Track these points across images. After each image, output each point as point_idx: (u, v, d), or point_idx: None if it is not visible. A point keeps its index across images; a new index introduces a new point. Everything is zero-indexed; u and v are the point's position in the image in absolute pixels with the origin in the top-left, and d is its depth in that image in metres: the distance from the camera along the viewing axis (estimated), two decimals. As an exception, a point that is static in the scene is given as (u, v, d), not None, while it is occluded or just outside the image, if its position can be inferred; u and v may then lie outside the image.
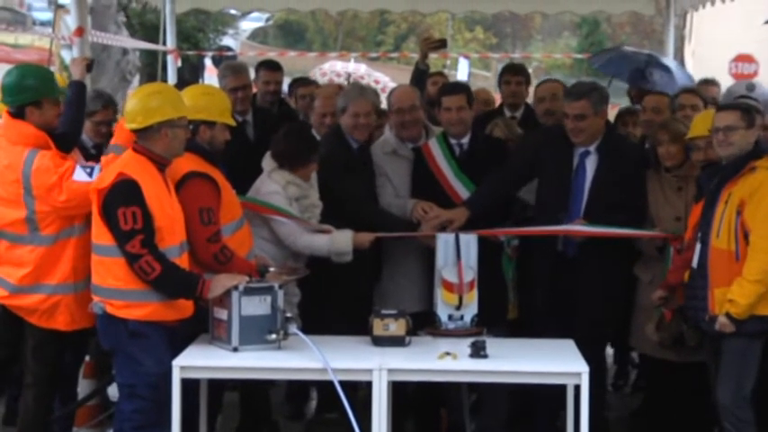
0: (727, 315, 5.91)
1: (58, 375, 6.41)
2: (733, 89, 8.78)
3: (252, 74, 8.44)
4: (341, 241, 6.58)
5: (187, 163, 5.98)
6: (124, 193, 5.54)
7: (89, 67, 7.50)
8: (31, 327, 6.22)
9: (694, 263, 6.15)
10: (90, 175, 5.92)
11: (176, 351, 5.64)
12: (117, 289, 5.60)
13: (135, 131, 5.76)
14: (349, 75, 20.31)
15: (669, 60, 10.97)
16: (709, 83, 9.68)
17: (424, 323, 6.40)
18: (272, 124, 7.43)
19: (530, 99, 8.62)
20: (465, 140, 7.06)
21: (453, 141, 7.05)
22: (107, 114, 7.33)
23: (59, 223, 6.05)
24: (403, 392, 6.82)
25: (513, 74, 8.73)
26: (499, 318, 6.82)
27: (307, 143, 6.74)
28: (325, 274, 6.66)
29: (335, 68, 22.00)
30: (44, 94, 6.14)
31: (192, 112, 5.99)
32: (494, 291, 6.71)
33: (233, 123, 6.30)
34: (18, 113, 6.12)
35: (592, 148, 6.80)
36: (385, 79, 21.47)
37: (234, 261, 5.99)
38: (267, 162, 6.68)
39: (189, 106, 5.95)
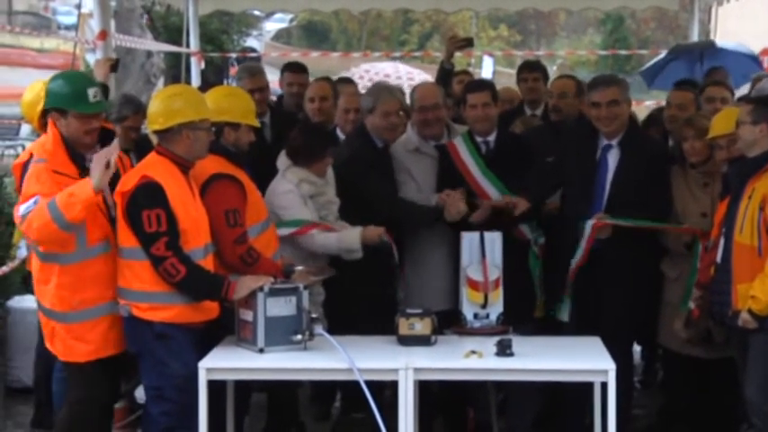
0: (750, 311, 5.87)
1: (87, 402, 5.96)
2: (765, 85, 8.72)
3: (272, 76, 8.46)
4: (349, 238, 6.55)
5: (212, 165, 5.98)
6: (147, 196, 5.55)
7: (114, 67, 7.51)
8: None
9: (718, 258, 6.12)
10: (25, 210, 5.56)
11: (202, 353, 5.64)
12: (142, 291, 5.61)
13: (157, 133, 5.77)
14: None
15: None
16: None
17: (449, 322, 6.39)
18: (289, 125, 7.43)
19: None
20: (491, 138, 7.04)
21: (479, 139, 7.03)
22: (137, 120, 7.30)
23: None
24: (430, 391, 6.81)
25: (530, 71, 8.73)
26: (526, 316, 6.79)
27: (319, 137, 6.73)
28: (350, 273, 6.66)
29: (382, 70, 21.50)
30: (67, 106, 5.73)
31: (216, 113, 5.99)
32: (521, 289, 6.68)
33: (257, 125, 6.30)
34: (44, 117, 5.96)
35: (614, 143, 6.80)
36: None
37: (260, 262, 6.00)
38: (282, 161, 6.68)
39: (213, 108, 5.96)
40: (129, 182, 5.65)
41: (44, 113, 6.10)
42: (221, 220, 5.91)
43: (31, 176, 5.70)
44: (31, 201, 5.54)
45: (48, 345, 5.91)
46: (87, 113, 5.75)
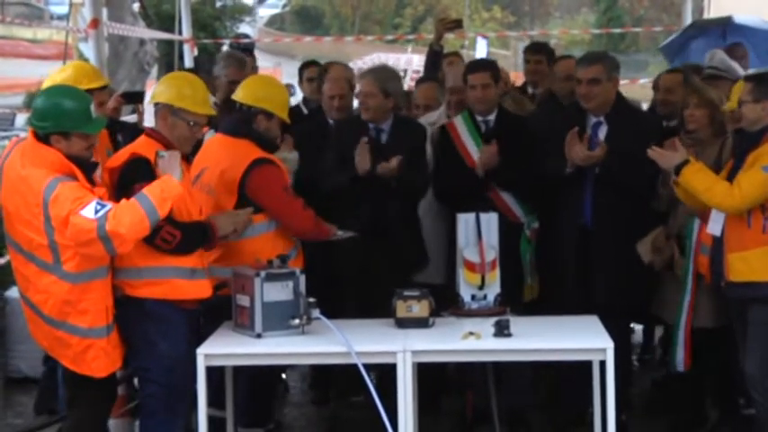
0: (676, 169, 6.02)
1: (101, 415, 5.93)
2: (717, 56, 8.70)
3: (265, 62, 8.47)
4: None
5: (248, 151, 6.12)
6: (137, 170, 5.52)
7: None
8: (66, 374, 5.77)
9: (717, 231, 6.12)
10: (97, 212, 5.20)
11: (194, 338, 5.62)
12: (134, 267, 5.54)
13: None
14: (404, 71, 20.02)
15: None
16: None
17: (444, 297, 6.39)
18: None
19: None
20: (491, 117, 7.06)
21: (479, 118, 7.06)
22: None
23: (81, 261, 5.38)
24: (442, 373, 6.83)
25: (533, 53, 8.77)
26: (515, 300, 6.71)
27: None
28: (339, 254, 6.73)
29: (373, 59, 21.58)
30: (74, 128, 5.40)
31: (254, 99, 6.18)
32: (510, 273, 6.61)
33: (288, 121, 6.37)
34: (44, 138, 5.41)
35: (602, 119, 6.84)
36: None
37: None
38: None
39: (249, 93, 6.20)
40: (119, 158, 5.67)
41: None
42: (284, 197, 6.13)
43: (65, 189, 5.31)
44: (93, 202, 5.25)
45: (75, 367, 5.58)
46: (94, 133, 5.57)
